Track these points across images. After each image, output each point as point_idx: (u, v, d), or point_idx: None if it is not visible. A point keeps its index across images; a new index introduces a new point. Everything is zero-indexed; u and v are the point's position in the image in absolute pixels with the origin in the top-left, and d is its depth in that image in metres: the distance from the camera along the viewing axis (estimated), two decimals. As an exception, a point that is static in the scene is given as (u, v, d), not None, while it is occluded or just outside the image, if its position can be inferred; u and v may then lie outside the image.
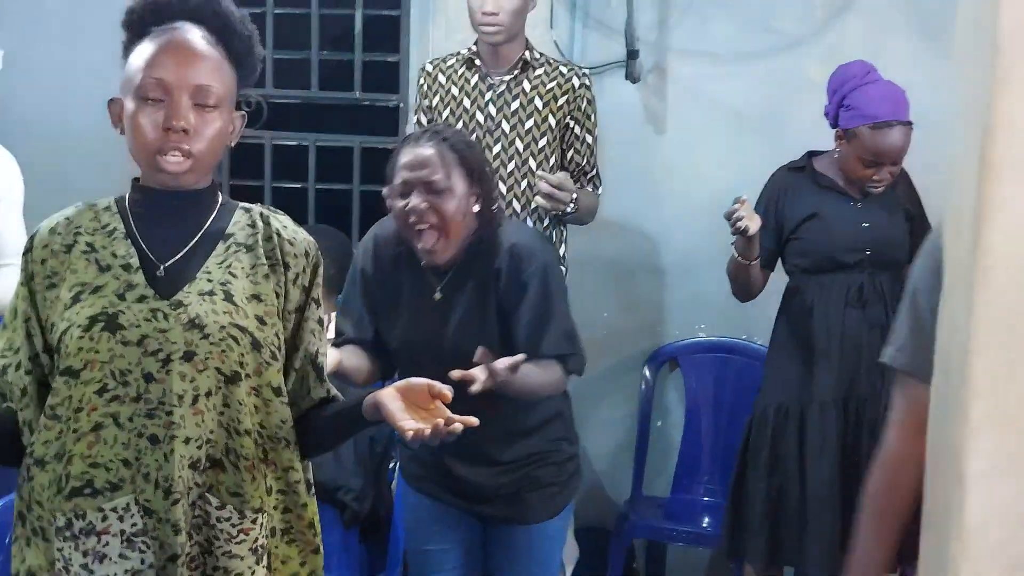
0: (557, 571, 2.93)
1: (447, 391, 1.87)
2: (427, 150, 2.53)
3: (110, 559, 1.86)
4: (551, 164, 3.36)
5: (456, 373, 2.23)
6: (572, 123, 3.39)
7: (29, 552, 1.92)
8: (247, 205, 2.02)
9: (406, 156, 2.55)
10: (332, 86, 4.28)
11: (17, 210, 2.96)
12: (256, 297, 1.93)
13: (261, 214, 2.01)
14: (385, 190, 2.60)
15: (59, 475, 1.86)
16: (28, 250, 1.95)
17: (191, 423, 1.86)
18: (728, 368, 3.97)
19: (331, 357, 2.36)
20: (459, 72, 3.39)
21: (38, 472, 1.89)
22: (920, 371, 1.99)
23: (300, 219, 2.70)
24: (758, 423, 3.31)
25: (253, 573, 1.93)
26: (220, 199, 2.00)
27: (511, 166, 3.35)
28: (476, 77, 3.38)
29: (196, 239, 1.95)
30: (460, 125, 3.35)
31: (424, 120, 3.42)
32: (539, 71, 3.38)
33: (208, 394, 1.87)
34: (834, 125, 3.22)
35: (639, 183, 3.94)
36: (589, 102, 3.40)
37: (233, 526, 1.90)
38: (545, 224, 3.35)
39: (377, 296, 2.68)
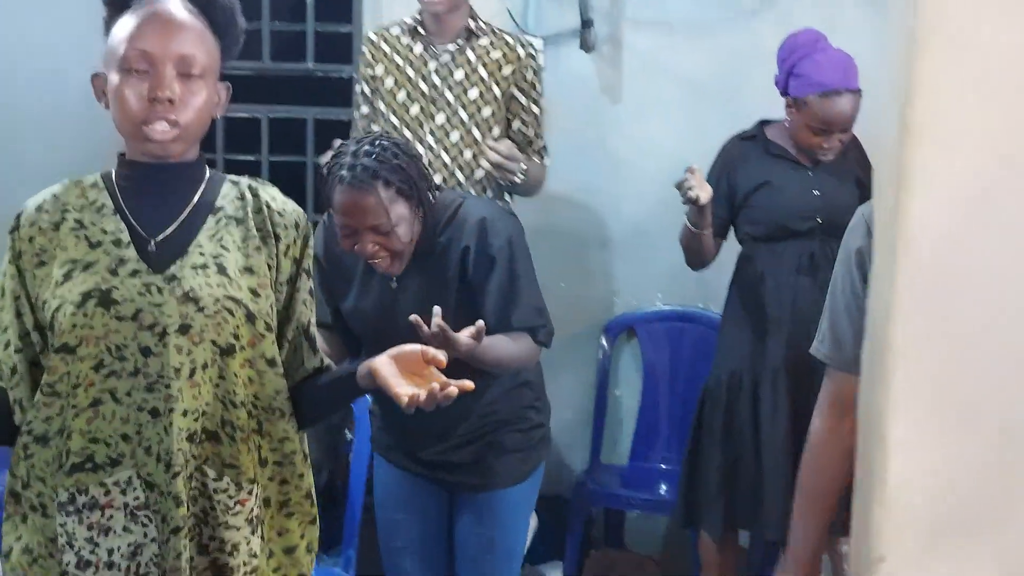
0: (524, 538, 2.93)
1: (441, 356, 1.87)
2: (365, 196, 2.44)
3: (115, 532, 1.88)
4: (496, 134, 3.33)
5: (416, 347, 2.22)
6: (518, 93, 3.35)
7: (25, 529, 1.92)
8: (235, 178, 2.02)
9: (343, 198, 2.46)
10: (284, 57, 4.24)
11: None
12: (249, 269, 1.94)
13: (250, 186, 2.01)
14: (325, 217, 2.60)
15: (60, 451, 1.88)
16: (15, 228, 1.94)
17: (188, 396, 1.87)
18: (685, 337, 3.98)
19: None
20: (403, 41, 3.35)
21: (39, 449, 1.90)
22: (837, 360, 2.05)
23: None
24: (712, 391, 3.33)
25: (248, 543, 1.94)
26: (208, 172, 1.99)
27: (455, 136, 3.32)
28: (420, 46, 3.33)
29: (186, 213, 1.94)
30: (404, 94, 3.31)
31: (367, 90, 3.38)
32: (484, 40, 3.34)
33: (204, 366, 1.88)
34: (784, 93, 3.21)
35: (593, 153, 3.93)
36: (535, 72, 3.38)
37: (230, 497, 1.92)
38: (489, 196, 3.31)
39: (333, 280, 2.69)
